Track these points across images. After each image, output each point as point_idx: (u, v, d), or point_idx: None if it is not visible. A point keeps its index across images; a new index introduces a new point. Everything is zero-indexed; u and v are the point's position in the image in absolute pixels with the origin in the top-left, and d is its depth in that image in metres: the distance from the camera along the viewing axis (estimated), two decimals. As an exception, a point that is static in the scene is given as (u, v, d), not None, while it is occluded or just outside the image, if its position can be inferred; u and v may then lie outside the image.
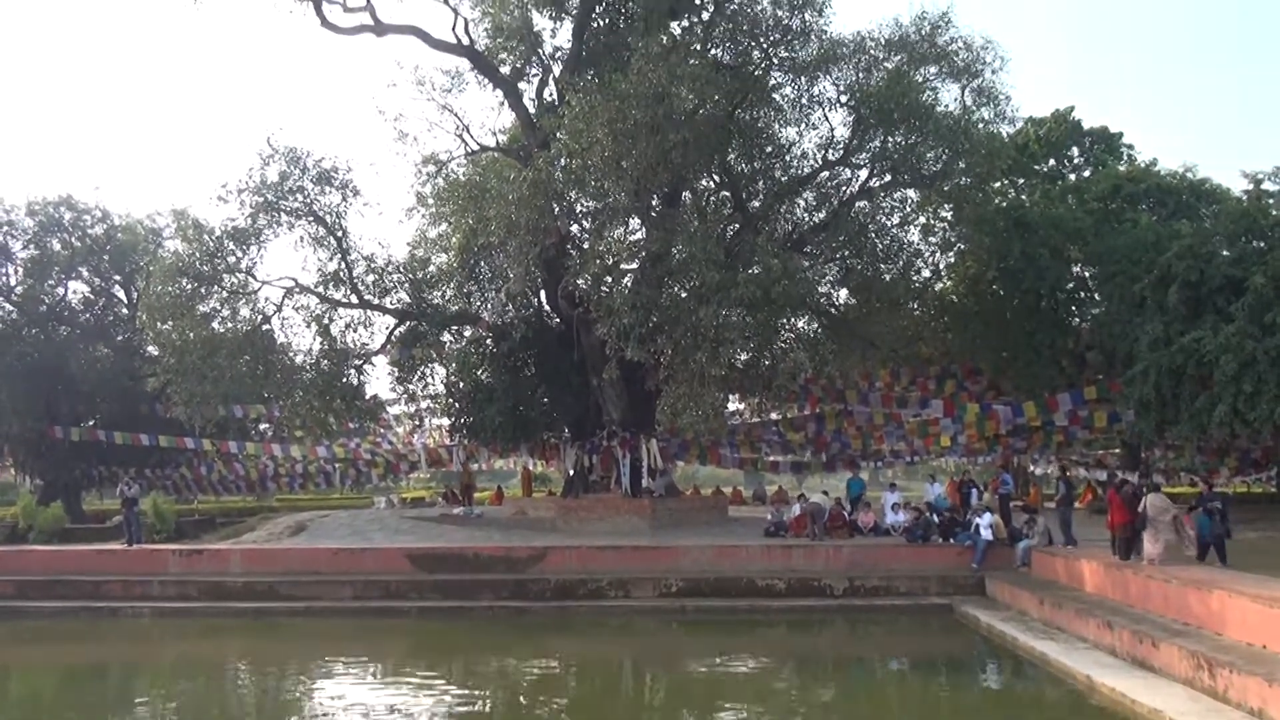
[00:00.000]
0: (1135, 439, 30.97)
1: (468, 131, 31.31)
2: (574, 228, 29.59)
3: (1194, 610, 14.35)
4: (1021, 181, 37.50)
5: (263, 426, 48.37)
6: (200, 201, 78.87)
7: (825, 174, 29.70)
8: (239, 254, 29.30)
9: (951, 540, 23.21)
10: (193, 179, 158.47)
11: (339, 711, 13.45)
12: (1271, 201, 28.46)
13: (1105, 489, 22.41)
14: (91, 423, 42.26)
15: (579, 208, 28.88)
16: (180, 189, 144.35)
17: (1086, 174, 38.05)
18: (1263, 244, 26.14)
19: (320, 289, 30.25)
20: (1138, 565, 17.27)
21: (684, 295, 24.90)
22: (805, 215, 30.64)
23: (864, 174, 29.61)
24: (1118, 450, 37.89)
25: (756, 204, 29.21)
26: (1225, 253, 26.61)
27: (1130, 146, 39.41)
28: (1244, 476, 41.23)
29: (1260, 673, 11.22)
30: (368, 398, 33.33)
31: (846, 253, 29.78)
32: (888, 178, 29.39)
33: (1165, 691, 12.32)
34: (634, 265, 27.53)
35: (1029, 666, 15.48)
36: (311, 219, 29.73)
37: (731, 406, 35.67)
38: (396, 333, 31.73)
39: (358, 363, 31.57)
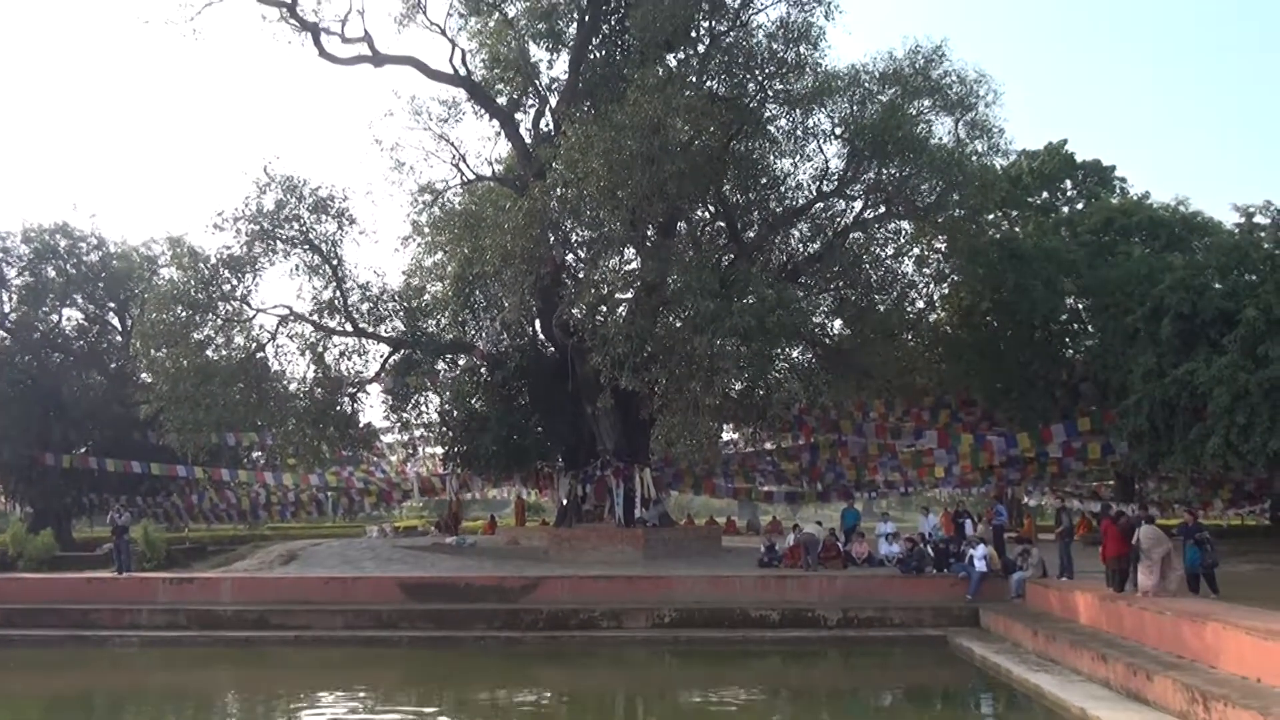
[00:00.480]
0: (1129, 470, 31.03)
1: (464, 161, 31.52)
2: (569, 257, 29.66)
3: (1188, 643, 14.30)
4: (1015, 214, 37.69)
5: (255, 454, 48.27)
6: (196, 229, 78.99)
7: (820, 205, 29.86)
8: (234, 282, 29.31)
9: (945, 571, 23.15)
10: (189, 207, 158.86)
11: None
12: (1263, 234, 28.64)
13: (1099, 520, 22.35)
14: (83, 450, 42.11)
15: (574, 237, 28.98)
16: (176, 217, 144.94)
17: (1079, 206, 38.25)
18: (1254, 277, 26.28)
19: (315, 317, 30.24)
20: (1132, 597, 17.21)
21: (679, 325, 24.93)
22: (800, 246, 30.80)
23: (858, 205, 29.81)
24: (1111, 482, 37.87)
25: (751, 234, 29.35)
26: (1217, 285, 26.75)
27: (1123, 180, 39.67)
28: (1238, 509, 41.21)
29: (1255, 706, 11.16)
30: (361, 426, 33.23)
31: (841, 283, 29.91)
32: (882, 209, 29.57)
33: (1160, 725, 12.26)
34: (629, 295, 27.58)
35: (1023, 699, 15.39)
36: (307, 247, 29.75)
37: (726, 436, 35.62)
38: (391, 361, 31.69)
39: (351, 391, 31.52)
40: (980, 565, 22.04)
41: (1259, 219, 30.13)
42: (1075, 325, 34.21)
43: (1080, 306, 33.53)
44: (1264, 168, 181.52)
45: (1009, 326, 31.80)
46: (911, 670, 19.05)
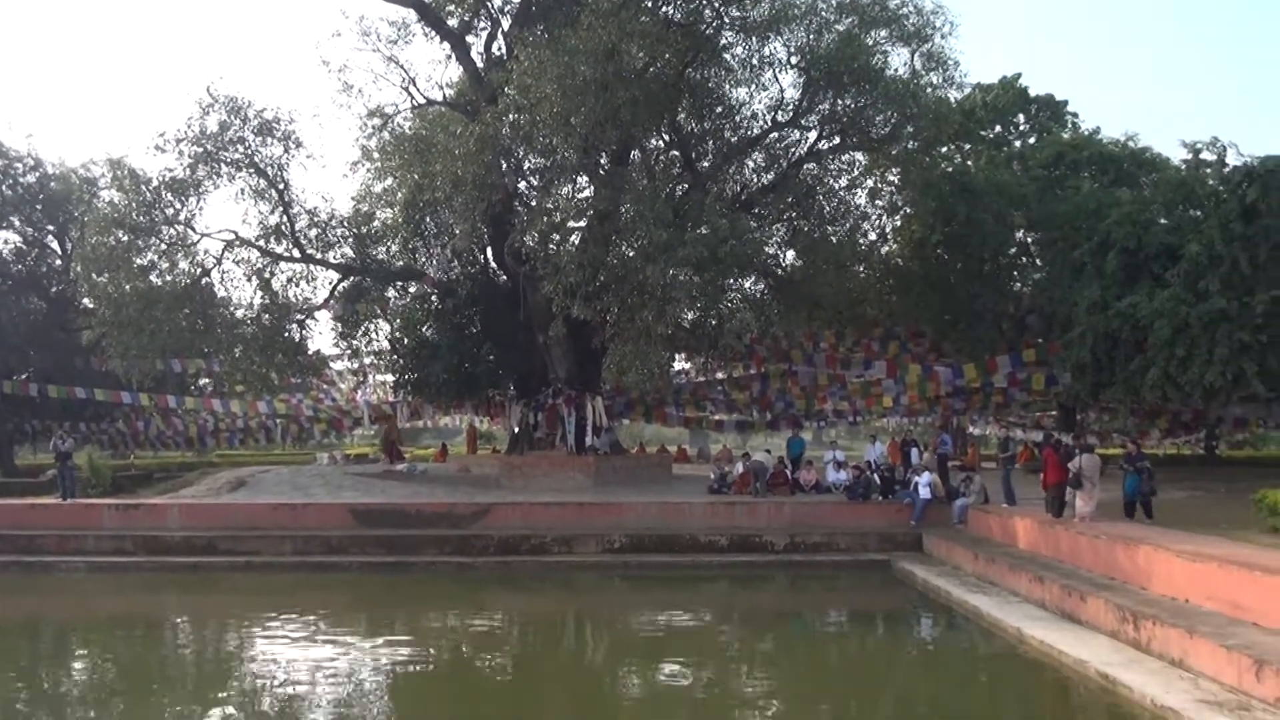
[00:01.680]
0: (1071, 401, 31.65)
1: (414, 85, 30.80)
2: (521, 184, 29.33)
3: (1121, 565, 14.78)
4: (968, 147, 37.81)
5: (202, 381, 47.63)
6: (137, 151, 76.89)
7: (774, 135, 29.70)
8: (177, 205, 28.70)
9: (891, 498, 23.64)
10: (129, 128, 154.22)
11: (280, 665, 13.39)
12: (1208, 171, 29.00)
13: (1041, 450, 22.89)
14: (24, 376, 41.24)
15: (526, 164, 28.60)
16: (116, 138, 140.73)
17: (1031, 141, 38.44)
18: (1199, 213, 26.66)
19: (261, 242, 29.73)
20: (1069, 522, 17.71)
21: (631, 254, 24.84)
22: (754, 176, 30.70)
23: (813, 136, 29.69)
24: (1054, 412, 38.66)
25: (705, 164, 29.17)
26: (1163, 221, 27.13)
27: (1075, 115, 39.87)
28: (1174, 439, 42.33)
29: (1182, 625, 11.60)
30: (310, 353, 32.95)
31: (794, 214, 29.93)
32: (836, 140, 29.50)
33: (1091, 643, 12.70)
34: (581, 223, 27.38)
35: (962, 620, 15.86)
36: (252, 171, 29.12)
37: (677, 365, 35.79)
38: (340, 288, 31.32)
39: (300, 318, 31.18)
40: (925, 492, 22.53)
41: (1205, 155, 30.49)
42: (1024, 259, 34.57)
43: (1029, 240, 33.87)
44: (1213, 105, 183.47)
45: (959, 259, 32.05)
46: (856, 593, 19.53)
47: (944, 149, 34.21)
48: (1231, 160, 27.36)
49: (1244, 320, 22.10)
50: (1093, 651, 12.25)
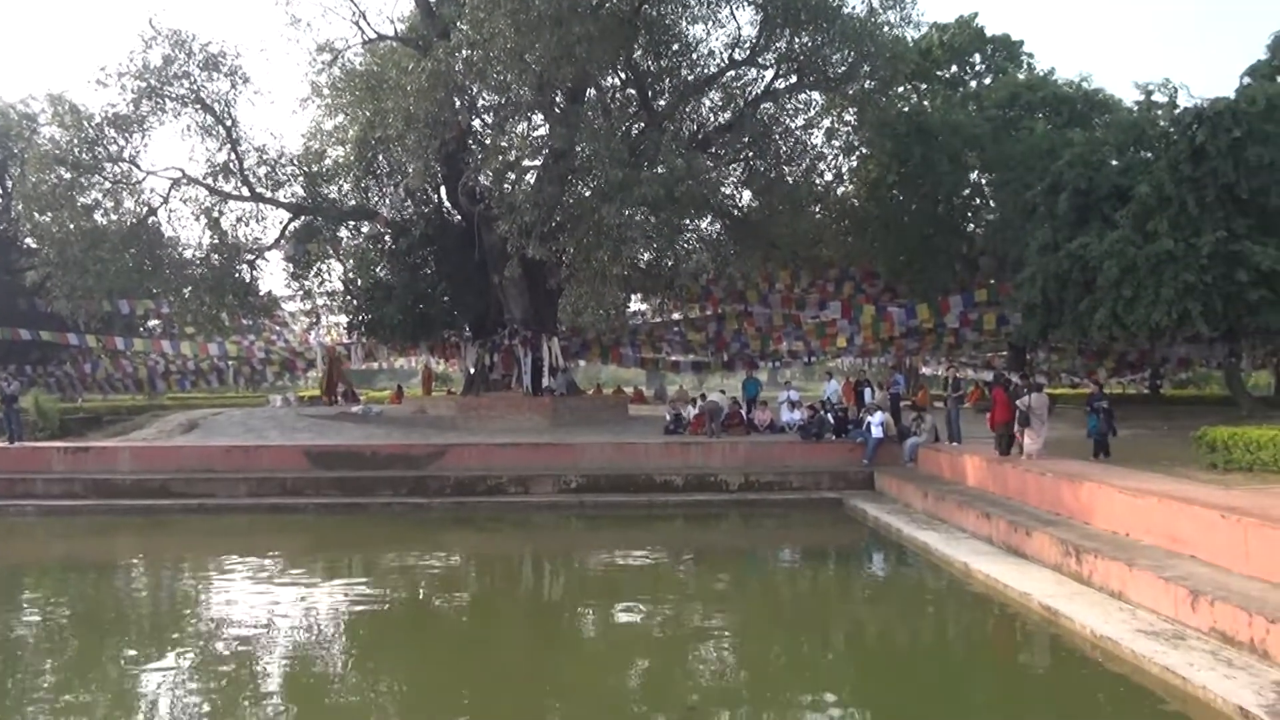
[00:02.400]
0: (1021, 341, 32.07)
1: (364, 19, 30.16)
2: (475, 122, 28.94)
3: (1065, 501, 15.15)
4: (924, 87, 37.74)
5: (152, 323, 46.97)
6: (78, 85, 74.82)
7: (731, 74, 29.52)
8: (121, 142, 28.08)
9: (844, 437, 23.95)
10: (70, 62, 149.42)
11: (236, 607, 13.39)
12: (1159, 113, 29.23)
13: (991, 389, 23.22)
14: (-34, 317, 40.41)
15: (480, 101, 28.21)
16: (56, 72, 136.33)
17: (987, 81, 38.45)
18: (1149, 154, 26.91)
19: (209, 180, 29.21)
20: (1016, 460, 18.07)
21: (587, 193, 24.70)
22: (710, 115, 30.53)
23: (769, 75, 29.54)
24: (1005, 352, 39.21)
25: (662, 103, 28.93)
26: (1114, 162, 27.35)
27: (1030, 55, 39.85)
28: (1120, 378, 43.16)
29: (1122, 558, 11.94)
30: (261, 294, 32.56)
31: (750, 154, 29.84)
32: (793, 79, 29.36)
33: (1035, 576, 13.04)
34: (536, 162, 27.14)
35: (912, 555, 16.20)
36: (198, 106, 28.47)
37: (633, 306, 35.83)
38: (291, 227, 30.89)
39: (250, 258, 30.75)
40: (877, 431, 22.86)
41: (1157, 97, 30.71)
42: (978, 199, 34.77)
43: (983, 181, 34.05)
44: (1167, 46, 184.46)
45: (914, 200, 32.20)
46: (808, 530, 19.85)
47: (900, 89, 34.19)
48: (1182, 102, 27.59)
49: (1190, 261, 22.45)
50: (1036, 585, 12.58)
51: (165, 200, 29.27)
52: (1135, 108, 30.88)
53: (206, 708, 9.26)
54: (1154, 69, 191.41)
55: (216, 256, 29.60)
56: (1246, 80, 28.39)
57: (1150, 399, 40.00)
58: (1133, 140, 27.83)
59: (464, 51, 24.53)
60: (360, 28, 30.07)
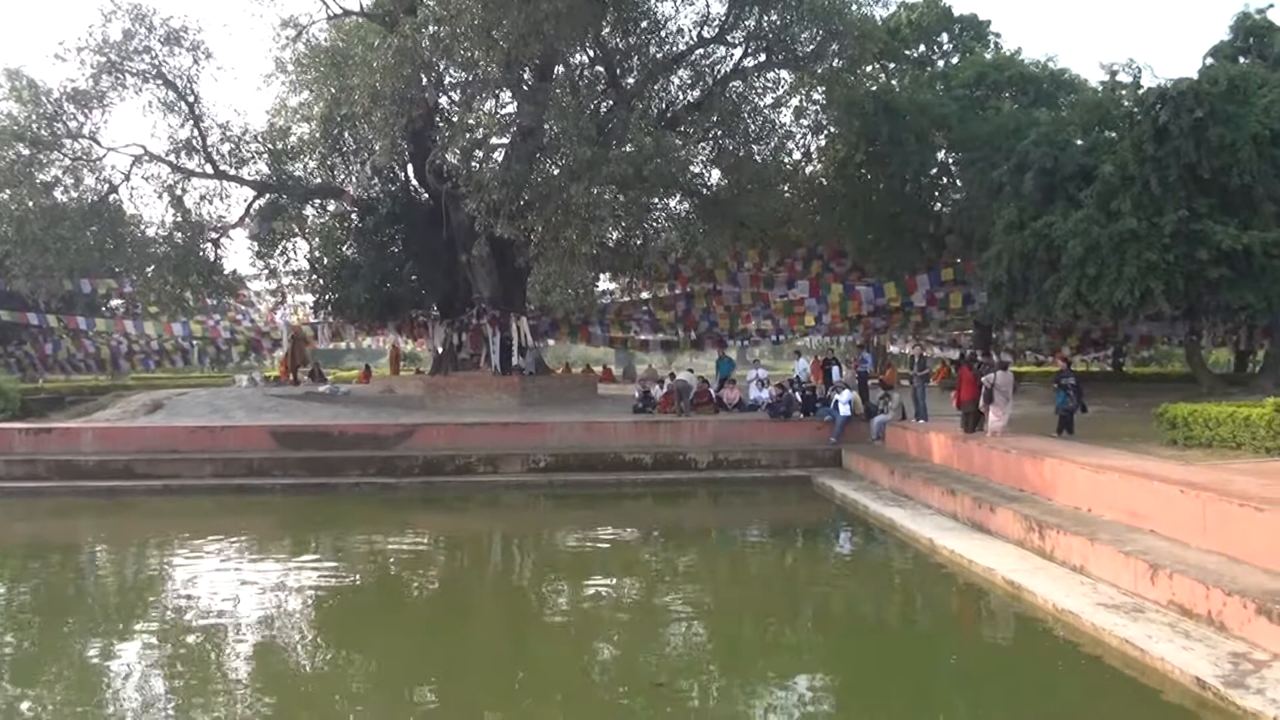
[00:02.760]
0: (987, 319, 32.31)
1: (330, -8, 29.70)
2: (442, 99, 28.71)
3: (1028, 478, 15.35)
4: (892, 66, 37.81)
5: (114, 302, 46.36)
6: (36, 60, 73.30)
7: (700, 52, 29.42)
8: (80, 118, 27.65)
9: (812, 415, 24.11)
10: (26, 36, 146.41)
11: (203, 589, 13.31)
12: (1124, 93, 29.45)
13: (958, 367, 23.41)
14: (-77, 296, 39.68)
15: (448, 79, 27.97)
16: (13, 47, 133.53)
17: (954, 60, 38.56)
18: (1114, 134, 27.13)
19: (171, 158, 28.81)
20: (981, 437, 18.27)
21: (555, 172, 24.57)
22: (679, 94, 30.40)
23: (738, 53, 29.48)
24: (971, 330, 39.53)
25: (630, 81, 28.78)
26: (1079, 142, 27.53)
27: (998, 35, 40.07)
28: (1084, 356, 43.66)
29: (1083, 533, 12.12)
30: (226, 273, 32.17)
31: (719, 132, 29.75)
32: (762, 57, 29.32)
33: (999, 552, 13.23)
34: (504, 140, 26.96)
35: (878, 532, 16.37)
36: (160, 82, 28.04)
37: (602, 285, 35.79)
38: (255, 205, 30.52)
39: (214, 236, 30.40)
40: (845, 410, 23.03)
41: (1122, 77, 30.95)
42: (945, 179, 34.89)
43: (950, 160, 34.19)
44: (1132, 26, 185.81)
45: (881, 179, 32.25)
46: (776, 508, 20.00)
47: (868, 68, 34.21)
48: (1146, 82, 27.80)
49: (1152, 240, 22.68)
50: (1000, 560, 12.76)
51: (127, 177, 28.87)
52: (1100, 88, 31.11)
53: (173, 690, 9.22)
54: (1119, 49, 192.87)
55: (180, 235, 29.24)
56: (1209, 61, 28.69)
57: (1113, 376, 40.52)
58: (1097, 120, 28.04)
59: (431, 27, 24.28)
60: (325, 3, 29.68)
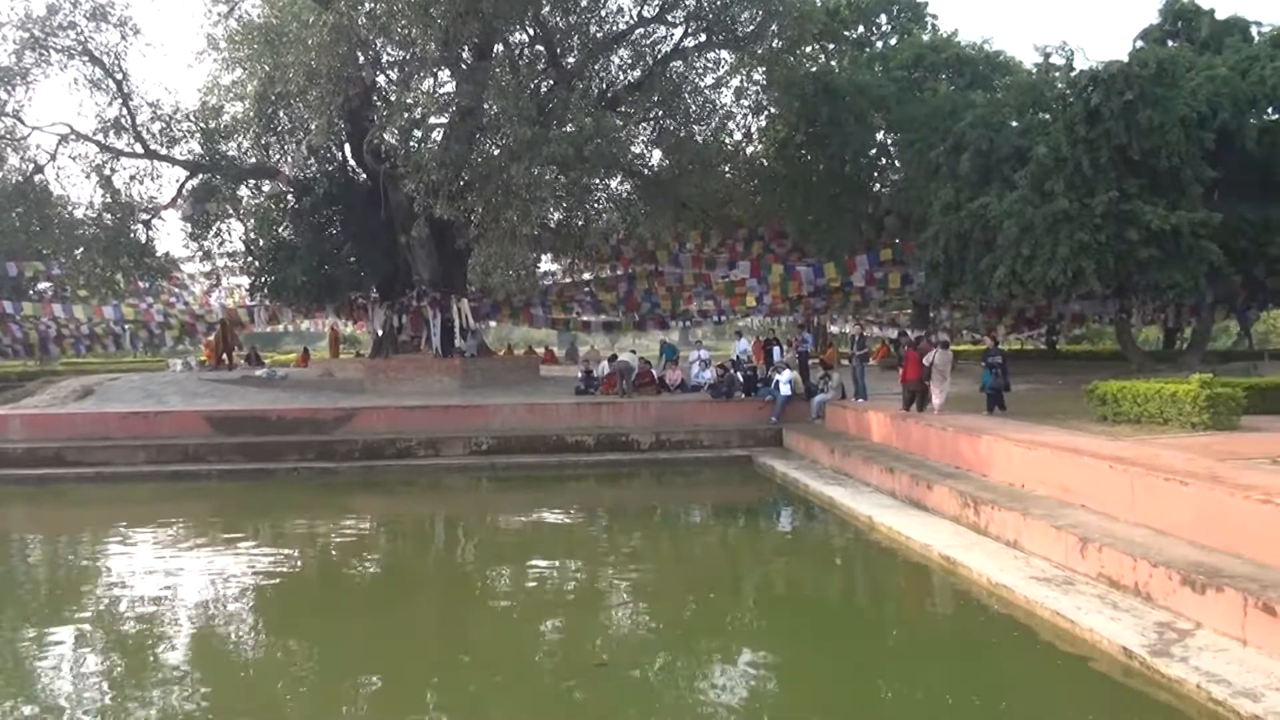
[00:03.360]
0: (925, 299, 32.76)
1: (262, -32, 29.06)
2: (380, 78, 28.29)
3: (964, 455, 15.62)
4: (831, 47, 38.01)
5: (42, 285, 45.12)
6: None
7: (640, 31, 29.31)
8: (3, 96, 26.90)
9: (754, 395, 24.27)
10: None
11: (138, 576, 13.08)
12: (1057, 75, 29.95)
13: (897, 347, 23.73)
14: None
15: (385, 57, 27.58)
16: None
17: (893, 42, 38.89)
18: (1047, 116, 27.60)
19: (99, 137, 28.07)
20: (919, 415, 18.55)
21: (495, 152, 24.37)
22: (619, 73, 30.29)
23: (679, 33, 29.43)
24: (909, 310, 40.05)
25: (571, 60, 28.59)
26: (1014, 123, 27.99)
27: (934, 17, 40.46)
28: (1019, 334, 44.51)
29: (1017, 509, 12.38)
30: (158, 255, 31.48)
31: (660, 113, 29.70)
32: (702, 38, 29.30)
33: (935, 528, 13.46)
34: (443, 119, 26.64)
35: (819, 510, 16.57)
36: (86, 59, 27.28)
37: (544, 266, 35.61)
38: (188, 186, 29.86)
39: (145, 217, 29.72)
40: (785, 389, 23.21)
41: (1055, 60, 31.48)
42: (883, 159, 35.23)
43: (889, 141, 34.52)
44: (1066, 8, 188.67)
45: (821, 160, 32.47)
46: (718, 488, 20.14)
47: (808, 49, 34.33)
48: (1079, 64, 28.33)
49: (1084, 221, 23.14)
50: (936, 536, 12.99)
51: (53, 157, 28.13)
52: (1034, 70, 31.61)
53: (108, 681, 9.06)
54: (1052, 32, 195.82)
55: (109, 216, 28.54)
56: (1139, 44, 29.26)
57: (1047, 354, 41.38)
58: (1032, 102, 28.50)
59: (367, 4, 23.90)
60: (258, -22, 29.05)
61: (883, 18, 39.94)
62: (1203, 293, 24.07)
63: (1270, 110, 25.32)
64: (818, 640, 10.26)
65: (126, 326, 44.56)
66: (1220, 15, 29.41)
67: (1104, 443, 13.85)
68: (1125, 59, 24.36)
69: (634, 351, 30.01)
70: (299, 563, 14.09)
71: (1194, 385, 15.27)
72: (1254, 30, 29.00)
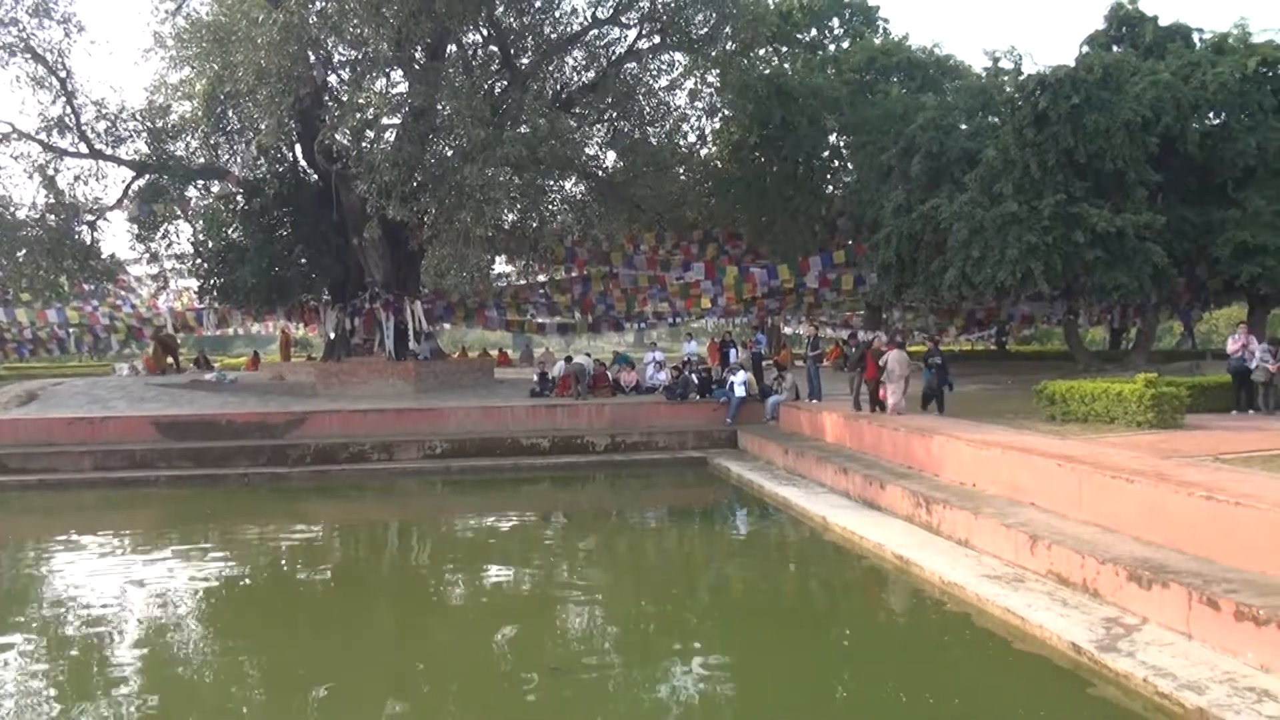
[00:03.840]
0: (877, 300, 33.07)
1: (210, -35, 28.64)
2: (331, 78, 28.02)
3: (916, 455, 15.78)
4: (785, 50, 38.30)
5: (-17, 288, 44.05)
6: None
7: (594, 32, 29.32)
8: (-59, 94, 26.17)
9: (708, 397, 24.34)
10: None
11: (84, 585, 12.80)
12: (1005, 79, 30.39)
13: (851, 348, 23.89)
14: None
15: (336, 56, 27.32)
16: None
17: (845, 45, 39.26)
18: (996, 119, 27.99)
19: (42, 136, 27.51)
20: (871, 415, 18.71)
21: (449, 153, 24.23)
22: (574, 75, 30.27)
23: (633, 35, 29.49)
24: (862, 311, 40.43)
25: (525, 61, 28.51)
26: (964, 126, 28.37)
27: (886, 20, 40.99)
28: (969, 335, 45.08)
29: (968, 507, 12.53)
30: (104, 257, 30.85)
31: (614, 114, 29.75)
32: (656, 39, 29.36)
33: (888, 528, 13.59)
34: (396, 120, 26.41)
35: (774, 510, 16.65)
36: (28, 56, 26.73)
37: (498, 268, 35.44)
38: (135, 186, 29.36)
39: (90, 219, 29.17)
40: (740, 391, 23.31)
41: (1004, 64, 31.95)
42: (836, 162, 35.58)
43: (841, 144, 34.83)
44: (1014, 14, 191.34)
45: (775, 162, 32.71)
46: (674, 489, 20.16)
47: (761, 51, 34.56)
48: (1027, 69, 28.77)
49: (1032, 223, 23.49)
50: (889, 535, 13.11)
51: (-7, 156, 27.52)
52: (984, 74, 32.05)
53: (54, 694, 8.86)
54: (1001, 36, 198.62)
55: (53, 217, 27.95)
56: (1085, 49, 29.74)
57: (997, 355, 41.95)
58: (981, 105, 28.90)
59: (318, 3, 23.67)
60: (206, -25, 28.61)
61: (835, 21, 40.35)
62: (1147, 293, 24.52)
63: (1211, 115, 25.86)
64: (773, 641, 10.29)
65: (71, 330, 43.70)
66: (1163, 22, 29.96)
67: (1053, 442, 14.07)
68: (1072, 64, 24.74)
69: (589, 354, 29.95)
70: (249, 570, 13.88)
71: (1139, 385, 15.56)
72: (1195, 37, 29.61)
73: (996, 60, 31.96)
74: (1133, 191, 24.10)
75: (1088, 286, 25.11)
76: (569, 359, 27.47)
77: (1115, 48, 29.60)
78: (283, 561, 14.57)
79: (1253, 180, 24.83)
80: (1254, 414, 17.48)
